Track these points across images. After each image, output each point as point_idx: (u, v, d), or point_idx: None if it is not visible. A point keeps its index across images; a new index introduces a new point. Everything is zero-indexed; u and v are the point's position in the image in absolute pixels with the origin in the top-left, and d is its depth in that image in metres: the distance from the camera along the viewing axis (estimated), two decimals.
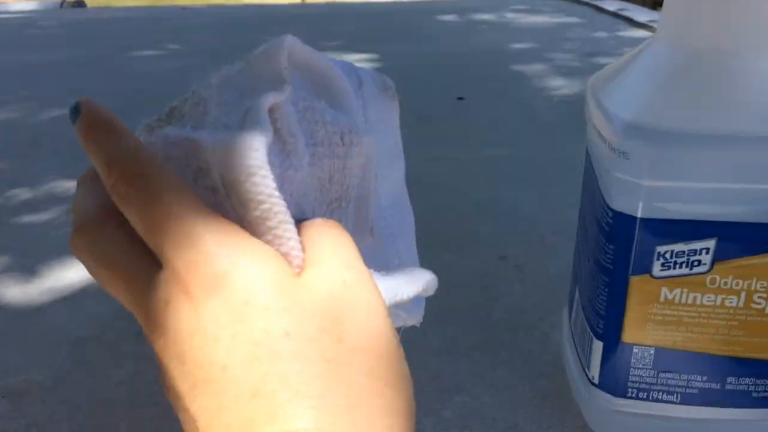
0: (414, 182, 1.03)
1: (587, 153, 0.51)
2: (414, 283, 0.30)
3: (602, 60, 1.53)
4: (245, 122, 0.28)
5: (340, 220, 0.31)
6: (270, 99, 0.29)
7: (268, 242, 0.26)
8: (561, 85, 1.34)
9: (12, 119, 1.17)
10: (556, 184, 0.88)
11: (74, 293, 0.65)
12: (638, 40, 0.47)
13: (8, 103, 1.26)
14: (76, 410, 0.50)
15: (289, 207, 0.27)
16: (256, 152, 0.26)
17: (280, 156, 0.29)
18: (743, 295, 0.42)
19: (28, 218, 0.81)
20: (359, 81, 0.37)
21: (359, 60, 1.54)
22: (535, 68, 1.47)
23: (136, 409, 0.50)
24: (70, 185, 0.90)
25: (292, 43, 0.33)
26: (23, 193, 0.88)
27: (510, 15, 2.28)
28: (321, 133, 0.32)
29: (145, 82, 1.38)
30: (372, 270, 0.29)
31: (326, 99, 0.34)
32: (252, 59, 0.33)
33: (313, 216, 0.29)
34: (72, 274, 0.69)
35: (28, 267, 0.70)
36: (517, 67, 1.47)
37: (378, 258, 0.32)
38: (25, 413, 0.50)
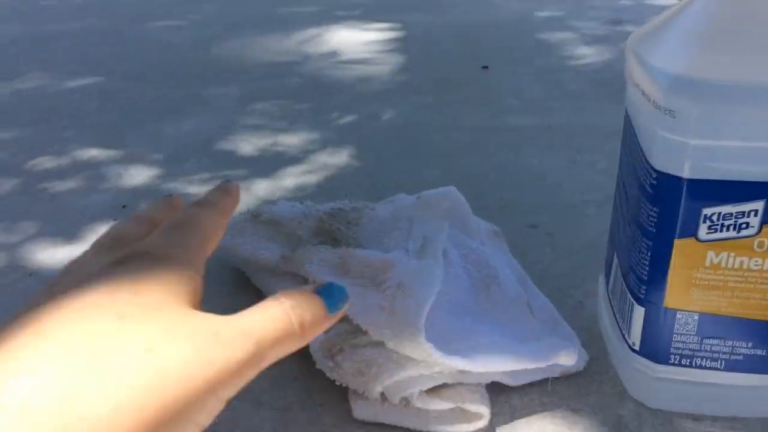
0: (438, 150, 1.02)
1: (626, 114, 0.49)
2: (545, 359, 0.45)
3: (629, 28, 1.49)
4: (425, 252, 0.50)
5: (496, 300, 0.51)
6: (442, 238, 0.52)
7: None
8: (586, 54, 1.31)
9: (30, 89, 1.17)
10: (584, 151, 0.87)
11: None
12: (665, 9, 0.45)
13: (25, 73, 1.26)
14: None
15: (447, 300, 0.48)
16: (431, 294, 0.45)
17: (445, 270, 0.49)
18: None
19: (53, 185, 0.81)
20: (478, 224, 0.62)
21: (380, 29, 1.51)
22: (559, 36, 1.43)
23: None
24: (92, 153, 0.90)
25: (453, 192, 0.60)
26: (47, 161, 0.88)
27: None
28: (464, 252, 0.54)
29: (162, 51, 1.37)
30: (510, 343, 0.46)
31: (462, 231, 0.58)
32: (424, 197, 0.59)
33: (473, 301, 0.50)
34: (85, 246, 0.68)
35: (55, 233, 0.70)
36: (541, 36, 1.44)
37: (530, 329, 0.49)
38: None
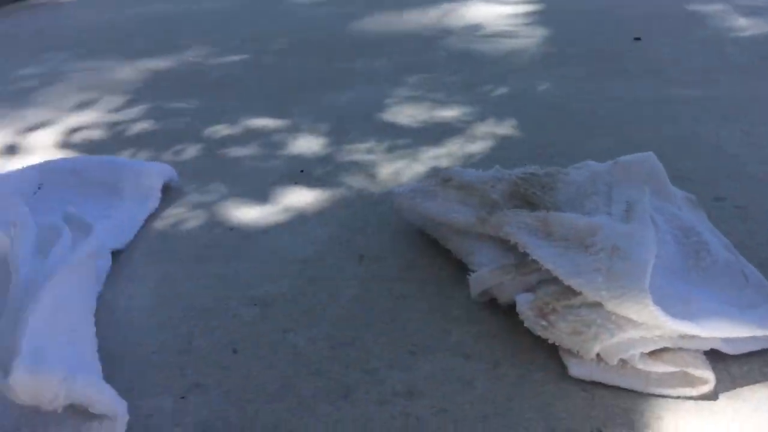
0: (603, 121, 1.00)
1: None
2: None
3: None
4: (630, 216, 0.51)
5: (706, 266, 0.50)
6: (646, 203, 0.52)
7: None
8: (746, 26, 1.23)
9: (193, 63, 1.25)
10: (760, 123, 0.82)
11: (292, 218, 0.70)
12: None
13: (186, 48, 1.34)
14: (319, 320, 0.54)
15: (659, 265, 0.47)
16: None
17: None
18: None
19: (233, 151, 0.87)
20: (675, 192, 0.61)
21: (519, 3, 1.49)
22: (713, 8, 1.36)
23: (377, 324, 0.53)
24: (262, 123, 0.95)
25: (652, 158, 0.60)
26: (222, 129, 0.94)
27: None
28: (668, 217, 0.54)
29: (309, 27, 1.43)
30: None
31: (660, 197, 0.58)
32: (621, 162, 0.59)
33: (682, 267, 0.51)
34: (286, 201, 0.73)
35: (245, 194, 0.75)
36: (693, 7, 1.37)
37: (746, 296, 0.48)
38: (277, 319, 0.55)
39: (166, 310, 0.57)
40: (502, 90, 1.00)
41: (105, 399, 0.40)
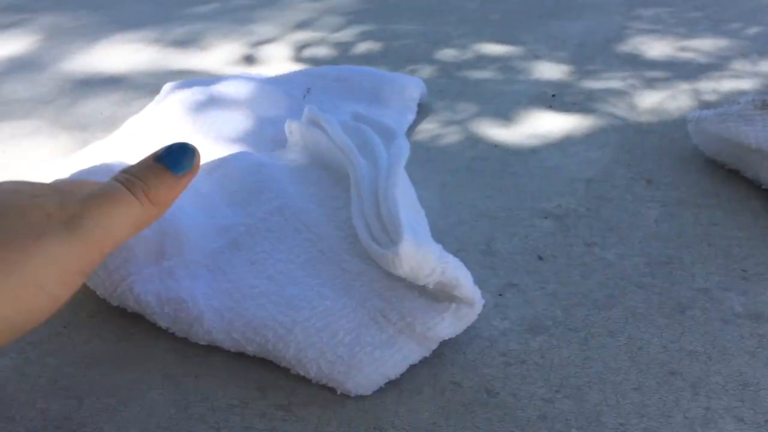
0: None
1: None
2: None
3: None
4: None
5: None
6: None
7: None
8: None
9: None
10: None
11: (559, 140, 0.68)
12: None
13: None
14: (624, 237, 0.52)
15: None
16: None
17: None
18: None
19: (471, 74, 0.86)
20: None
21: None
22: None
23: (693, 246, 0.51)
24: (493, 48, 0.93)
25: None
26: (454, 53, 0.93)
27: None
28: None
29: None
30: None
31: None
32: None
33: None
34: (545, 123, 0.71)
35: (495, 114, 0.74)
36: None
37: None
38: (577, 233, 0.53)
39: (456, 214, 0.57)
40: (756, 29, 0.91)
41: (468, 284, 0.41)
